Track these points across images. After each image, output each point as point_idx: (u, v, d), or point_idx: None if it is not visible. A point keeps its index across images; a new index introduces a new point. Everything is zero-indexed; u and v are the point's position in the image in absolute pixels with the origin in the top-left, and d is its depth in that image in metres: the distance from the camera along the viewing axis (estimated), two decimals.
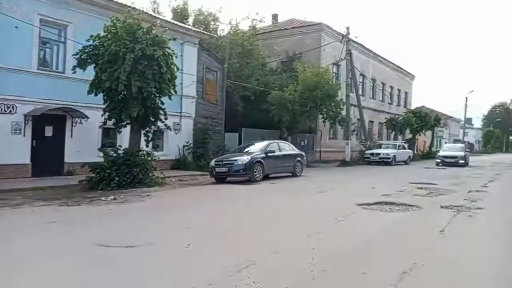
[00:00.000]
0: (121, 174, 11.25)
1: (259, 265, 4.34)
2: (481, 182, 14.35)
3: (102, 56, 11.14)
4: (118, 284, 3.92)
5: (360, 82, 31.99)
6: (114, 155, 11.82)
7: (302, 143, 25.66)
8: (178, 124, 18.27)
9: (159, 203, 8.90)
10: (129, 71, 10.67)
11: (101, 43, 11.28)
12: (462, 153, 25.25)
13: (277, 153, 15.20)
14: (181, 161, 18.23)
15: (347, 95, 25.88)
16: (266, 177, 14.54)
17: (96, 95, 11.77)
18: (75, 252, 4.95)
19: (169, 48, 11.65)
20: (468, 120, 73.42)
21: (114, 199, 9.21)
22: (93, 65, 11.55)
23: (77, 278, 4.06)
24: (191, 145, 18.83)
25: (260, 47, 25.54)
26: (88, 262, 4.55)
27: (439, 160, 24.83)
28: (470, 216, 7.51)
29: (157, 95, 11.80)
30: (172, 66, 11.77)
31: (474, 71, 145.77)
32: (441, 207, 8.55)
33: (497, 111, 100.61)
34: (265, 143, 15.55)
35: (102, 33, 11.50)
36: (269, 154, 14.58)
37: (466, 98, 54.48)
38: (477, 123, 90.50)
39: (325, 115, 23.78)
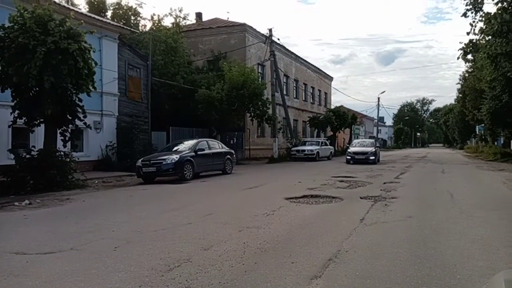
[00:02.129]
0: (36, 177, 10.33)
1: (191, 263, 4.27)
2: (394, 174, 15.68)
3: (9, 49, 10.10)
4: None
5: (284, 82, 33.08)
6: (27, 156, 10.79)
7: (232, 141, 25.81)
8: (99, 123, 17.26)
9: (81, 206, 8.30)
10: (41, 65, 9.81)
11: (6, 35, 10.21)
12: (373, 149, 23.14)
13: (207, 151, 15.11)
14: (105, 161, 17.29)
15: (273, 94, 26.63)
16: (196, 176, 14.38)
17: (3, 91, 10.64)
18: None
19: (85, 42, 10.93)
20: (381, 119, 79.97)
21: (30, 203, 8.42)
22: None
23: None
24: (115, 145, 17.92)
25: (185, 45, 25.14)
26: (4, 271, 4.10)
27: (349, 157, 22.65)
28: (385, 205, 8.16)
29: (74, 91, 10.99)
30: (90, 61, 11.07)
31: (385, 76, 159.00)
32: (360, 197, 9.19)
33: (406, 110, 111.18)
34: (194, 141, 15.35)
35: (7, 24, 10.41)
36: (199, 153, 14.43)
37: (378, 98, 59.40)
38: (389, 121, 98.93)
39: (252, 114, 24.21)
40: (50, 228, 6.18)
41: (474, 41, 21.22)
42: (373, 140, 28.50)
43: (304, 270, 4.08)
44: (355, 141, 28.65)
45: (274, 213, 7.19)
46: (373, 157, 22.36)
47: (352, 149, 23.94)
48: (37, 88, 10.28)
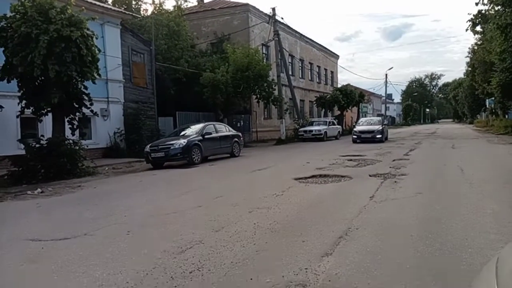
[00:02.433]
0: (47, 166, 10.47)
1: (203, 245, 4.32)
2: (403, 151, 15.57)
3: (12, 39, 10.09)
4: (56, 276, 3.66)
5: (289, 62, 32.69)
6: (37, 145, 10.91)
7: (238, 124, 25.81)
8: (106, 110, 17.31)
9: (93, 193, 8.42)
10: (45, 54, 9.80)
11: (8, 25, 10.18)
12: (379, 127, 22.20)
13: (214, 134, 15.13)
14: (114, 148, 17.43)
15: (278, 75, 26.37)
16: (204, 160, 14.45)
17: (9, 81, 10.70)
18: (4, 249, 4.55)
19: (88, 29, 10.87)
20: (389, 96, 79.02)
21: (42, 192, 8.55)
22: (2, 49, 10.41)
23: (11, 275, 3.77)
24: (123, 132, 18.02)
25: (187, 28, 24.85)
26: (21, 258, 4.20)
27: (355, 136, 21.83)
28: (395, 182, 8.13)
29: (79, 79, 10.99)
30: (93, 48, 11.02)
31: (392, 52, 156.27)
32: (370, 175, 9.15)
33: (414, 86, 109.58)
34: (201, 125, 15.37)
35: (9, 14, 10.36)
36: (206, 136, 14.46)
37: (386, 75, 58.57)
38: (397, 98, 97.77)
39: (258, 96, 24.06)
40: (63, 215, 6.29)
41: (483, 11, 20.69)
42: (380, 118, 27.48)
43: (315, 248, 4.10)
44: (361, 120, 27.05)
45: (283, 193, 7.21)
46: (380, 135, 21.44)
47: (358, 127, 22.99)
48: (42, 77, 10.29)
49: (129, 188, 9.05)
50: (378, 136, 21.36)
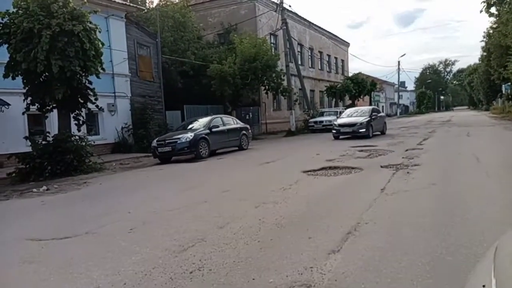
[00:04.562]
0: (53, 163, 10.45)
1: (205, 243, 4.16)
2: (416, 140, 15.18)
3: (15, 35, 10.02)
4: (52, 278, 3.55)
5: (298, 51, 32.22)
6: (44, 142, 10.89)
7: (247, 117, 25.60)
8: (113, 105, 17.27)
9: (98, 190, 8.34)
10: (48, 49, 9.71)
11: (11, 21, 10.11)
12: (365, 119, 17.63)
13: (222, 127, 14.94)
14: (122, 144, 17.41)
15: (287, 65, 25.96)
16: (213, 153, 14.30)
17: (13, 78, 10.65)
18: (4, 249, 4.49)
19: (90, 22, 10.72)
20: (402, 84, 77.64)
21: (47, 189, 8.51)
22: (6, 45, 10.35)
23: (7, 276, 3.69)
24: (131, 127, 17.98)
25: (193, 20, 24.60)
26: (20, 258, 4.11)
27: (335, 131, 17.87)
28: (408, 173, 7.85)
29: (83, 74, 10.89)
30: (96, 41, 10.88)
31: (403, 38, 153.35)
32: (381, 166, 8.89)
33: (428, 73, 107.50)
34: (208, 118, 15.18)
35: (11, 10, 10.28)
36: (213, 130, 14.28)
37: (399, 62, 57.41)
38: (410, 85, 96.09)
39: (267, 87, 23.78)
40: (66, 213, 6.21)
41: None
42: (370, 108, 20.85)
43: (321, 245, 3.90)
44: (347, 110, 21.56)
45: (291, 187, 7.01)
46: (364, 129, 17.09)
47: (339, 120, 18.77)
48: (46, 73, 10.22)
49: (135, 184, 8.95)
50: (361, 130, 17.11)
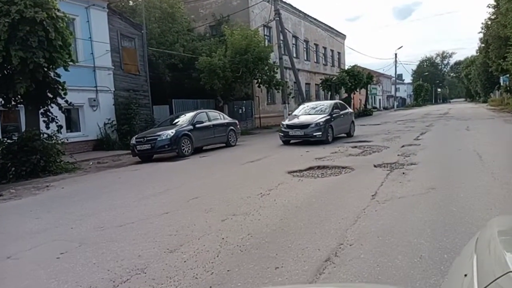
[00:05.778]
0: (18, 163, 9.55)
1: (144, 276, 3.31)
2: (413, 135, 14.37)
3: None
4: None
5: (293, 44, 31.20)
6: (8, 141, 9.98)
7: (240, 111, 24.69)
8: (94, 100, 16.32)
9: (55, 196, 7.41)
10: (6, 39, 8.73)
11: None
12: (323, 118, 13.60)
13: (207, 123, 14.02)
14: (104, 140, 16.48)
15: (280, 57, 24.92)
16: (198, 150, 13.43)
17: None
18: None
19: (58, 10, 9.73)
20: (399, 76, 76.69)
21: (1, 195, 7.60)
22: None
23: None
24: (114, 122, 17.04)
25: (183, 11, 23.54)
26: None
27: (282, 134, 14.00)
28: (403, 174, 7.04)
29: (49, 66, 9.93)
30: (64, 31, 9.88)
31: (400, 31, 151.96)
32: (374, 166, 8.09)
33: (425, 65, 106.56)
34: (192, 113, 14.25)
35: None
36: (198, 126, 13.37)
37: (396, 54, 56.39)
38: (408, 78, 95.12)
39: (259, 80, 22.83)
40: (3, 228, 5.30)
41: None
42: (333, 102, 16.05)
43: (290, 278, 3.06)
44: (301, 107, 16.54)
45: (270, 192, 6.15)
46: (319, 133, 13.13)
47: (287, 121, 14.63)
48: (6, 65, 9.27)
49: (100, 187, 8.04)
50: (316, 134, 13.13)
